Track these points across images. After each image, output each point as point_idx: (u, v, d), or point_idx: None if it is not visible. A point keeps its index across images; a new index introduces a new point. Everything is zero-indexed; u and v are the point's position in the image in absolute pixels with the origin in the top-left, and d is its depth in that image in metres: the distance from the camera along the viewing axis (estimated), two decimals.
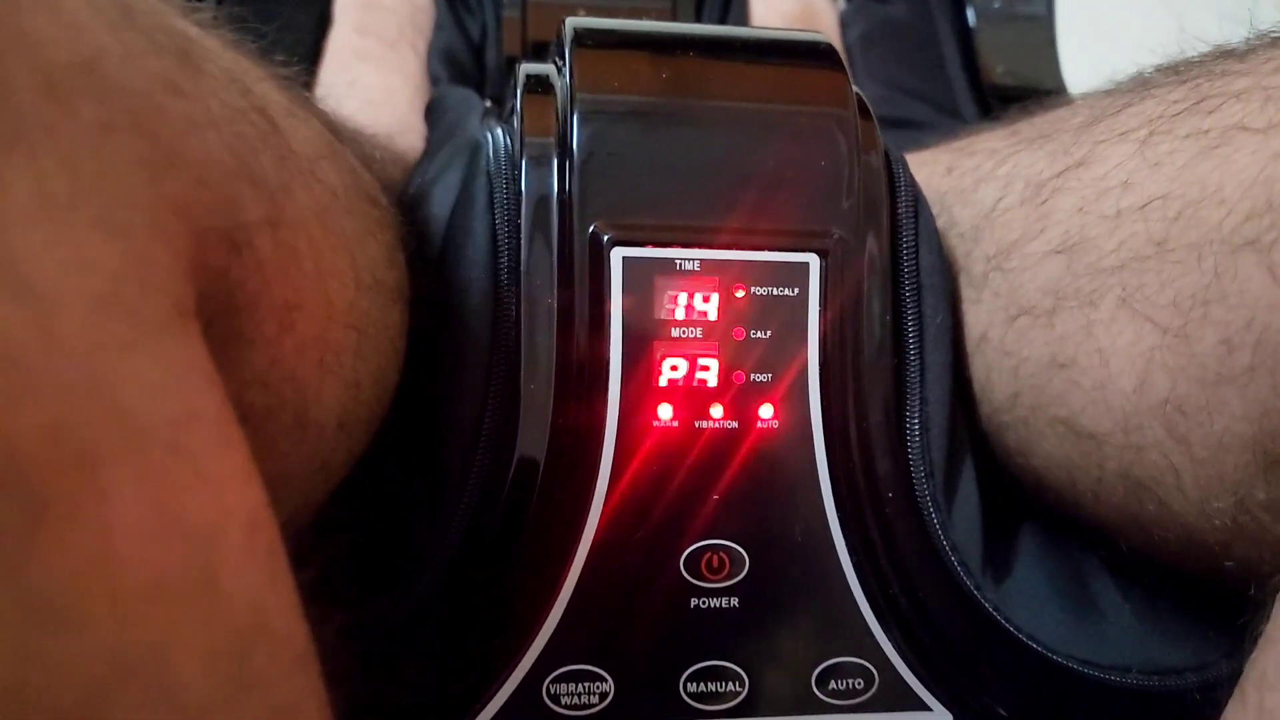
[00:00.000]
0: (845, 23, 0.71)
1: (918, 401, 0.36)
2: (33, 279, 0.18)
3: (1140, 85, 0.36)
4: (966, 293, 0.39)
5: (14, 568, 0.17)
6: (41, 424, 0.17)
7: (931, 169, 0.43)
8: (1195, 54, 0.35)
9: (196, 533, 0.20)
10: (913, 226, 0.37)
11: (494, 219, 0.35)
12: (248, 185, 0.25)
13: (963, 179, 0.41)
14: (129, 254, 0.20)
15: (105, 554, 0.18)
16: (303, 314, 0.27)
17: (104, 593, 0.18)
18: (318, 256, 0.28)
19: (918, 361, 0.36)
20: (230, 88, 0.26)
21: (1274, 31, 0.32)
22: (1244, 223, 0.29)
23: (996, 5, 0.72)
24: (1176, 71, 0.35)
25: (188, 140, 0.22)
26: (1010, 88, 0.67)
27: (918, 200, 0.38)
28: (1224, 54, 0.33)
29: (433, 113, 0.55)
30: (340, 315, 0.30)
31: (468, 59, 0.66)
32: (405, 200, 0.39)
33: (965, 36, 0.71)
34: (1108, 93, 0.38)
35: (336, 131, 0.35)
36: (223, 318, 0.24)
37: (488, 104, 0.57)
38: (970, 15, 0.71)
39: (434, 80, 0.63)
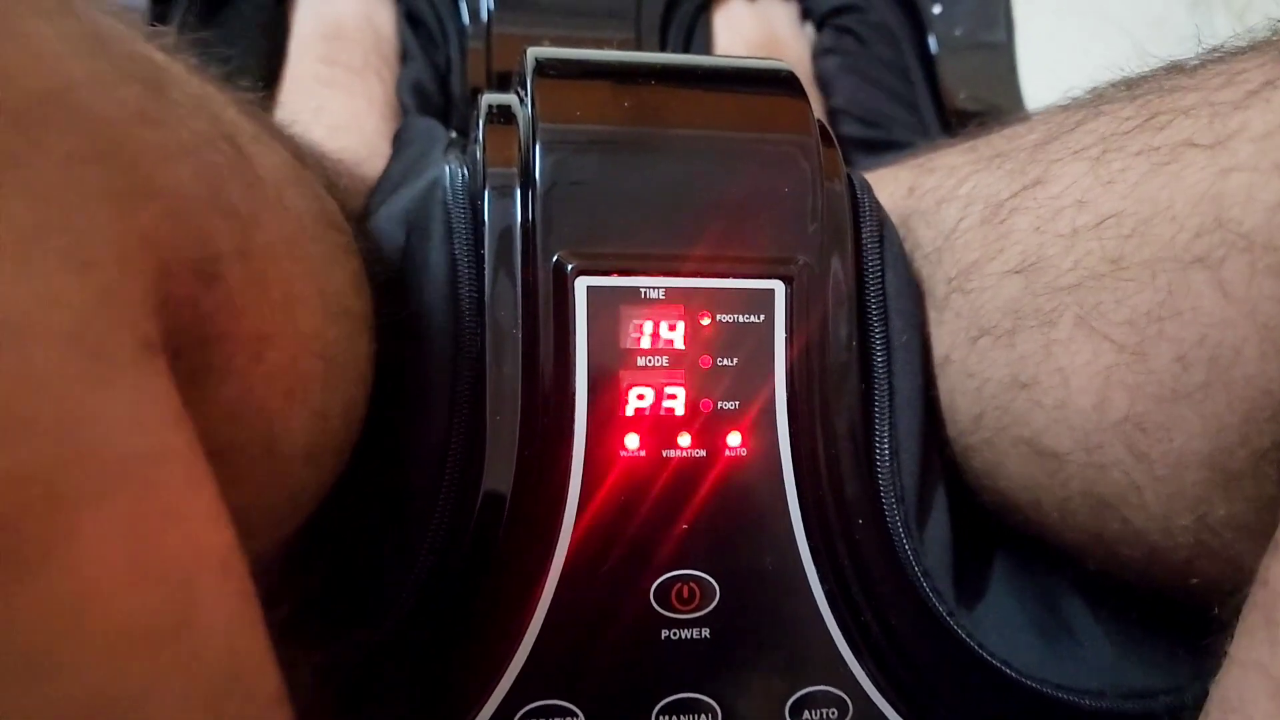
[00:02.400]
0: (818, 51, 0.72)
1: (887, 426, 0.36)
2: (3, 315, 0.17)
3: (1094, 100, 0.37)
4: (930, 314, 0.39)
5: None
6: (13, 465, 0.17)
7: (894, 189, 0.43)
8: (1148, 69, 0.35)
9: (171, 576, 0.19)
10: (877, 251, 0.37)
11: (452, 250, 0.35)
12: (218, 216, 0.25)
13: (924, 199, 0.41)
14: (96, 288, 0.19)
15: (80, 600, 0.17)
16: (272, 345, 0.27)
17: (80, 640, 0.17)
18: (286, 285, 0.28)
19: (886, 385, 0.36)
20: (199, 114, 0.25)
21: (1223, 48, 0.33)
22: (1194, 239, 0.29)
23: (958, 33, 0.73)
24: (1129, 87, 0.35)
25: (159, 171, 0.22)
26: (973, 112, 0.68)
27: (883, 224, 0.38)
28: (1174, 69, 0.34)
29: (397, 142, 0.55)
30: (308, 344, 0.29)
31: (435, 90, 0.66)
32: (368, 228, 0.39)
33: (929, 64, 0.72)
34: (1063, 108, 0.38)
35: (301, 157, 0.35)
36: (192, 350, 0.23)
37: (453, 135, 0.57)
38: (932, 43, 0.72)
39: (403, 111, 0.63)
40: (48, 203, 0.19)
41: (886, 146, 0.66)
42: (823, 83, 0.70)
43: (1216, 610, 0.30)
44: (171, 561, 0.19)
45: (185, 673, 0.19)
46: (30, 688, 0.17)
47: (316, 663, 0.25)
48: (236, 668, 0.21)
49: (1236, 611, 0.28)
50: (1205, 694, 0.30)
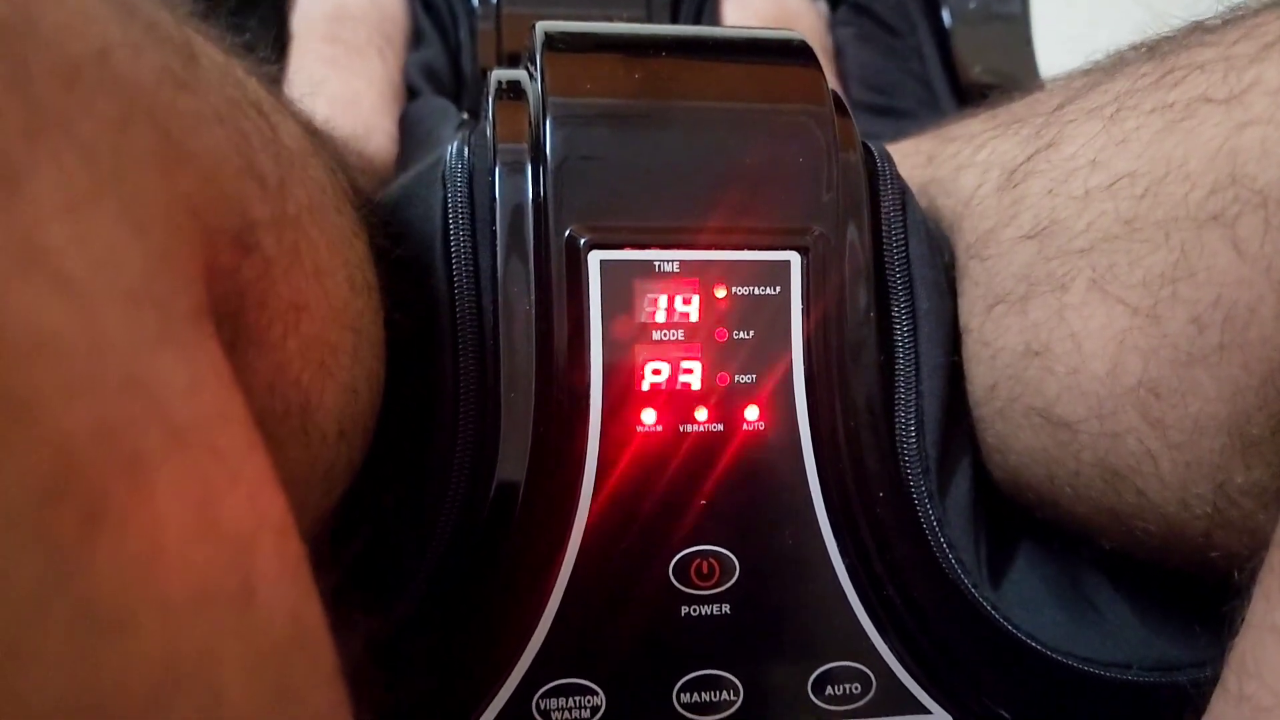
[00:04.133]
0: (831, 24, 0.71)
1: (913, 395, 0.36)
2: (70, 272, 0.17)
3: (1114, 63, 0.36)
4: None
5: (70, 574, 0.16)
6: (91, 423, 0.17)
7: (914, 159, 0.43)
8: (1170, 31, 0.35)
9: (235, 538, 0.19)
10: (900, 219, 0.36)
11: (447, 226, 0.34)
12: (253, 183, 0.24)
13: (943, 168, 0.41)
14: (154, 251, 0.19)
15: (155, 559, 0.17)
16: (306, 315, 0.27)
17: (154, 599, 0.17)
18: (316, 255, 0.28)
19: (911, 354, 0.36)
20: (226, 82, 0.25)
21: (1246, 6, 0.32)
22: (1208, 197, 0.28)
23: (972, 6, 0.72)
24: (1150, 48, 0.34)
25: (196, 136, 0.22)
26: (988, 86, 0.67)
27: (904, 192, 0.37)
28: (1196, 28, 0.33)
29: (407, 122, 0.55)
30: (338, 316, 0.29)
31: (446, 72, 0.65)
32: (377, 205, 0.39)
33: (942, 37, 0.71)
34: (1085, 72, 0.38)
35: (314, 132, 0.35)
36: (231, 320, 0.23)
37: (464, 115, 0.57)
38: (946, 16, 0.71)
39: (416, 91, 0.62)
40: (99, 165, 0.18)
41: (894, 113, 0.66)
42: (836, 50, 0.70)
43: (1236, 575, 0.29)
44: (234, 523, 0.19)
45: (250, 636, 0.19)
46: (110, 647, 0.16)
47: (363, 637, 0.25)
48: (300, 633, 0.21)
49: (1254, 576, 0.28)
50: None
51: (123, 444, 0.17)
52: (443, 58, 0.66)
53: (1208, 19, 0.33)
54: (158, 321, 0.19)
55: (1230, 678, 0.28)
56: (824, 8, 0.74)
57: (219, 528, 0.19)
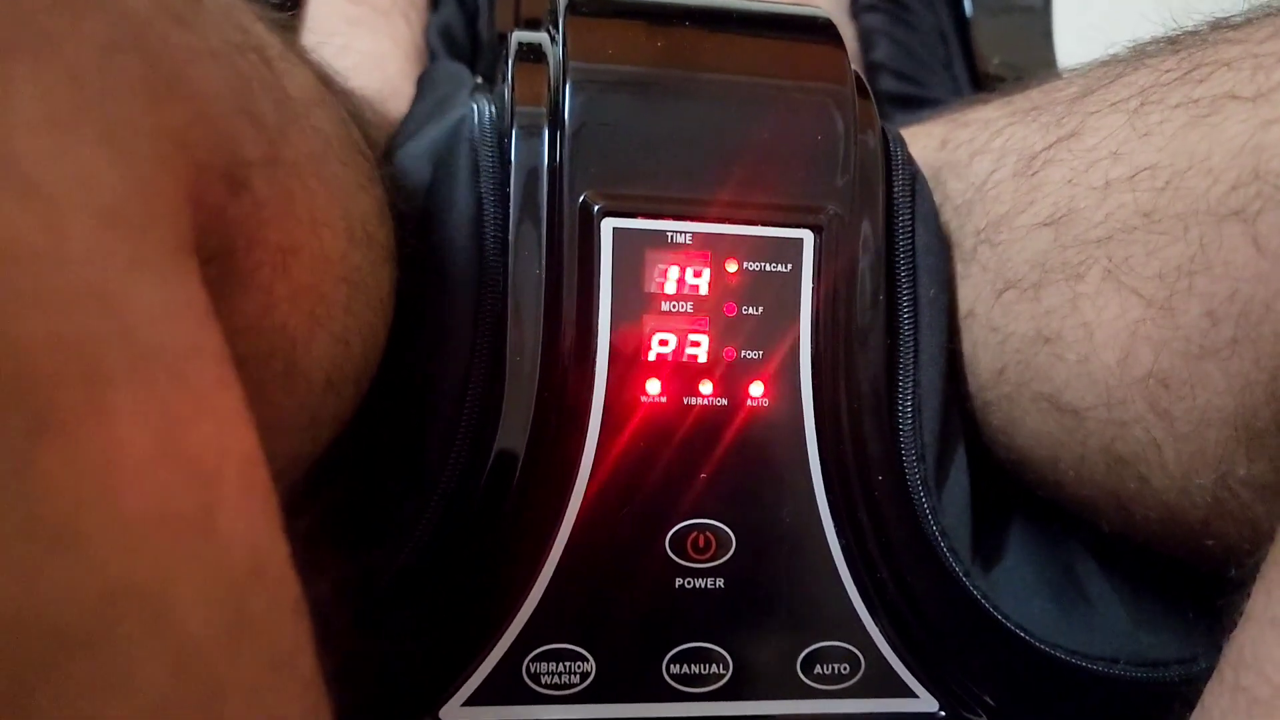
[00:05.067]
0: (861, 7, 0.71)
1: (911, 383, 0.36)
2: (40, 183, 0.17)
3: (1135, 56, 0.36)
4: (957, 268, 0.38)
5: (13, 478, 0.16)
6: (48, 332, 0.16)
7: (926, 142, 0.43)
8: (1191, 27, 0.34)
9: (197, 467, 0.19)
10: (909, 205, 0.36)
11: (479, 189, 0.34)
12: (247, 123, 0.24)
13: (956, 152, 0.41)
14: (134, 176, 0.19)
15: (107, 476, 0.17)
16: (297, 260, 0.27)
17: (105, 517, 0.17)
18: (312, 204, 0.28)
19: (912, 342, 0.36)
20: (227, 23, 0.25)
21: (1271, 4, 0.32)
22: (1230, 192, 0.28)
23: None
24: (1172, 42, 0.34)
25: (189, 71, 0.22)
26: (1006, 79, 0.67)
27: (915, 179, 0.37)
28: (1219, 25, 0.33)
29: (422, 84, 0.54)
30: (333, 267, 0.29)
31: (463, 35, 0.65)
32: (393, 162, 0.39)
33: (963, 27, 0.71)
34: (1104, 64, 0.38)
35: (327, 82, 0.34)
36: (217, 259, 0.23)
37: (478, 80, 0.56)
38: (967, 6, 0.71)
39: (432, 55, 0.62)
40: (84, 86, 0.18)
41: (923, 103, 0.65)
42: (863, 36, 0.69)
43: (1234, 570, 0.29)
44: (198, 452, 0.19)
45: (208, 565, 0.19)
46: (55, 559, 0.16)
47: (334, 580, 0.25)
48: (259, 566, 0.21)
49: (1254, 571, 0.28)
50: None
51: (81, 356, 0.17)
52: (460, 21, 0.65)
53: (1230, 17, 0.33)
54: (131, 244, 0.18)
55: (1227, 669, 0.28)
56: None
57: (181, 454, 0.19)
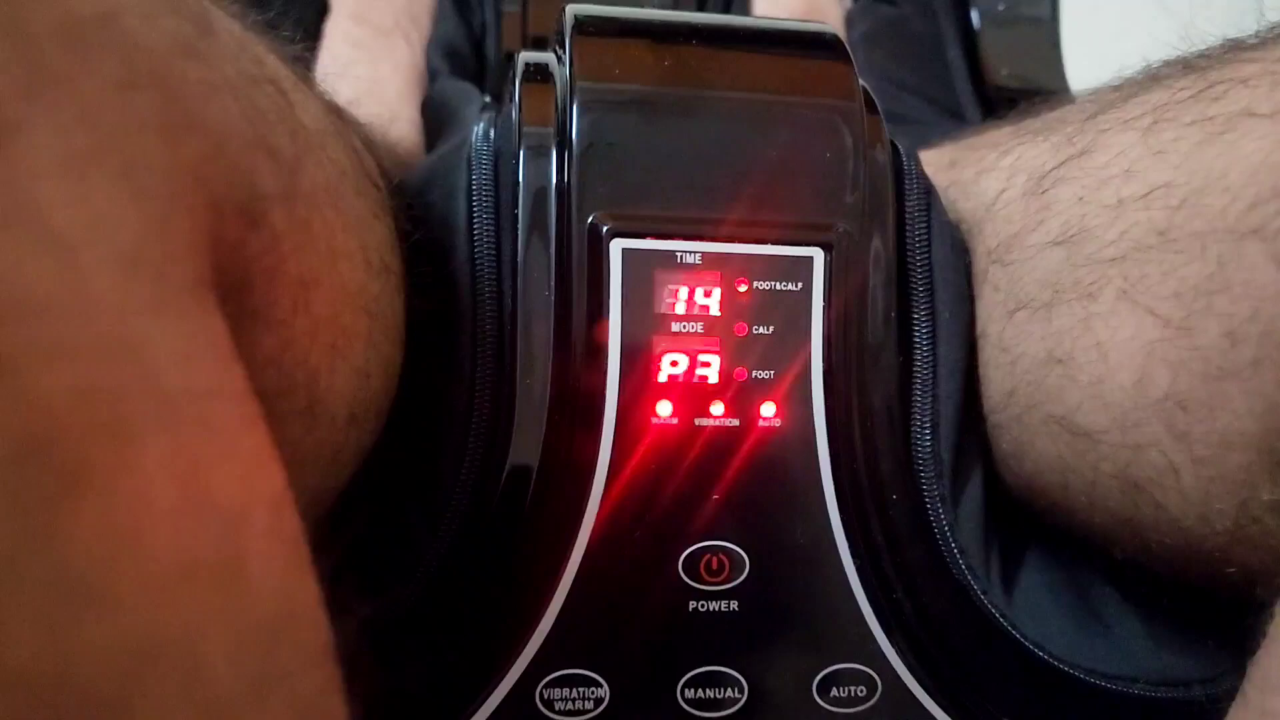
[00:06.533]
0: (850, 21, 0.70)
1: (929, 399, 0.35)
2: (59, 230, 0.17)
3: (1148, 78, 0.36)
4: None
5: (44, 539, 0.16)
6: (73, 386, 0.16)
7: (935, 163, 0.42)
8: (1205, 48, 0.34)
9: (225, 514, 0.19)
10: (924, 220, 0.36)
11: (471, 209, 0.34)
12: (264, 156, 0.24)
13: (964, 171, 0.40)
14: (152, 216, 0.19)
15: (137, 531, 0.17)
16: (316, 293, 0.26)
17: (134, 572, 0.17)
18: (330, 236, 0.28)
19: (930, 358, 0.35)
20: (243, 56, 0.25)
21: None
22: (1249, 210, 0.28)
23: (1001, 8, 0.71)
24: (1185, 63, 0.34)
25: (206, 106, 0.22)
26: (1014, 90, 0.66)
27: (930, 193, 0.37)
28: (1234, 46, 0.33)
29: (431, 107, 0.54)
30: (352, 298, 0.29)
31: (468, 54, 0.65)
32: (400, 188, 0.38)
33: (969, 38, 0.70)
34: (1115, 87, 0.37)
35: (338, 112, 0.34)
36: (236, 294, 0.23)
37: (487, 99, 0.56)
38: (974, 17, 0.71)
39: (434, 74, 0.62)
40: (99, 126, 0.18)
41: (904, 121, 0.65)
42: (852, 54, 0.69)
43: (1258, 590, 0.29)
44: (224, 499, 0.19)
45: (237, 614, 0.19)
46: (86, 618, 0.16)
47: (359, 619, 0.25)
48: (289, 612, 0.20)
49: (1278, 592, 0.28)
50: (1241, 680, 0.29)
51: (107, 408, 0.17)
52: (463, 37, 0.65)
53: (1245, 38, 0.33)
54: (152, 287, 0.18)
55: (1251, 691, 0.28)
56: (850, 3, 0.73)
57: (208, 501, 0.18)
